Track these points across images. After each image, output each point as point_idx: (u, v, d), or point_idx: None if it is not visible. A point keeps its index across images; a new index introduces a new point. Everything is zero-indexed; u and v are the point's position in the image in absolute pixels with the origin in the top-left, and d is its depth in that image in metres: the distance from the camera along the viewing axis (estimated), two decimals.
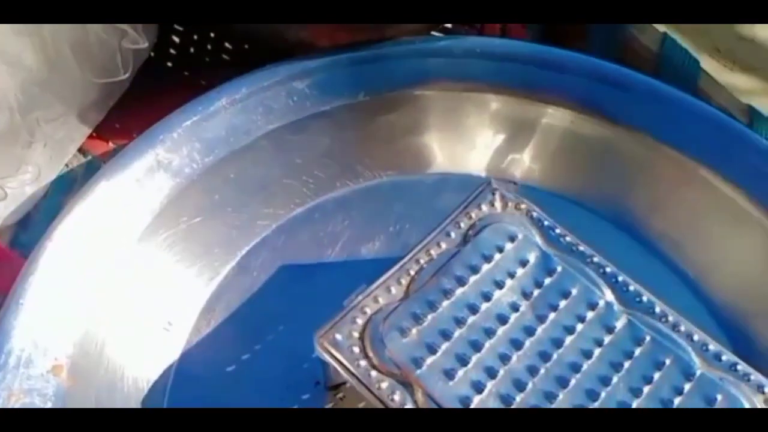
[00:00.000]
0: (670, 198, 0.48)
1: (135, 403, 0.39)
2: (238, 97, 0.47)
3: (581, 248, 0.41)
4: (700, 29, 0.63)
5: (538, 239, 0.41)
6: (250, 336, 0.42)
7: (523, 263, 0.39)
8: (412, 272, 0.39)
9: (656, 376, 0.36)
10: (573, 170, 0.50)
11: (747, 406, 0.35)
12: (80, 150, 0.49)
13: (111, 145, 0.50)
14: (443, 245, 0.40)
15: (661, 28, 0.53)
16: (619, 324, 0.38)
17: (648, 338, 0.37)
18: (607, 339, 0.37)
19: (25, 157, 0.45)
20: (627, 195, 0.49)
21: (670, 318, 0.38)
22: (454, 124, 0.50)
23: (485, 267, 0.39)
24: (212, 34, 0.59)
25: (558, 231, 0.41)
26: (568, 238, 0.41)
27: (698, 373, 0.36)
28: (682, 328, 0.38)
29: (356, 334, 0.36)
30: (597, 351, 0.37)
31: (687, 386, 0.36)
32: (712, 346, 0.38)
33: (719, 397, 0.35)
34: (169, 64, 0.58)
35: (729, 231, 0.46)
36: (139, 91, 0.50)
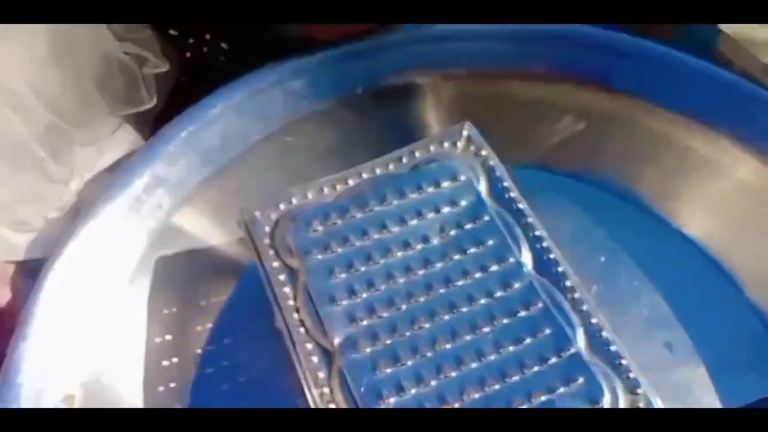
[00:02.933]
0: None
1: None
2: (232, 102, 0.46)
3: (520, 206, 0.41)
4: None
5: (483, 187, 0.42)
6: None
7: (454, 203, 0.40)
8: (351, 182, 0.42)
9: (528, 340, 0.36)
10: (577, 147, 0.48)
11: (605, 398, 0.35)
12: None
13: None
14: (391, 167, 0.42)
15: None
16: (519, 284, 0.38)
17: (540, 305, 0.37)
18: (499, 293, 0.38)
19: (62, 193, 0.45)
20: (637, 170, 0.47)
21: (576, 294, 0.38)
22: (455, 114, 0.49)
23: (414, 195, 0.40)
24: (207, 37, 0.57)
25: (505, 184, 0.42)
26: (512, 194, 0.41)
27: (572, 350, 0.36)
28: (584, 308, 0.37)
29: (273, 216, 0.40)
30: (483, 300, 0.37)
31: (553, 359, 0.36)
32: (606, 334, 0.37)
33: (581, 380, 0.35)
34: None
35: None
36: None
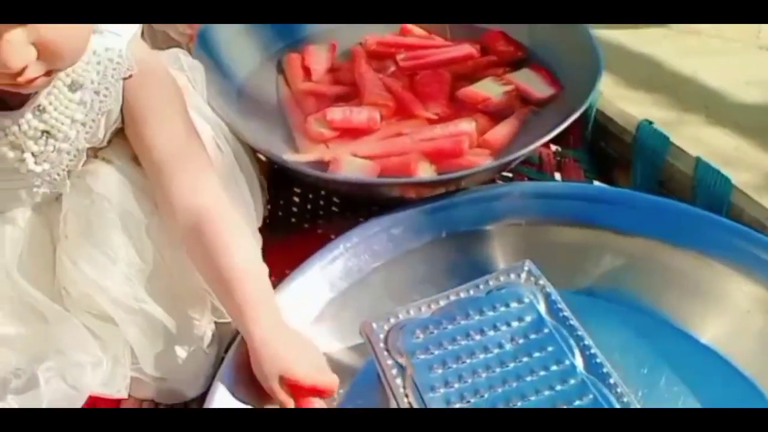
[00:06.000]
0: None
1: None
2: (350, 244, 0.63)
3: (572, 322, 0.54)
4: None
5: (542, 307, 0.55)
6: None
7: (521, 319, 0.54)
8: (442, 303, 0.56)
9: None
10: (616, 278, 0.62)
11: None
12: None
13: None
14: (471, 292, 0.56)
15: (693, 152, 0.63)
16: (573, 381, 0.50)
17: (591, 396, 0.49)
18: (558, 387, 0.50)
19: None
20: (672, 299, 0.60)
21: (619, 389, 0.50)
22: (518, 253, 0.63)
23: (490, 313, 0.54)
24: (322, 193, 0.74)
25: (559, 306, 0.55)
26: (565, 313, 0.54)
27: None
28: (625, 399, 0.49)
29: (386, 327, 0.54)
30: (546, 392, 0.50)
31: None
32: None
33: None
34: (293, 219, 0.75)
35: None
36: (271, 243, 0.63)
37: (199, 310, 0.58)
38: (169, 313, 0.55)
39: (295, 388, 0.50)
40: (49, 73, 0.46)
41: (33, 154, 0.52)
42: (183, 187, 0.53)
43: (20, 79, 0.45)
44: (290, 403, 0.50)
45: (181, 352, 0.57)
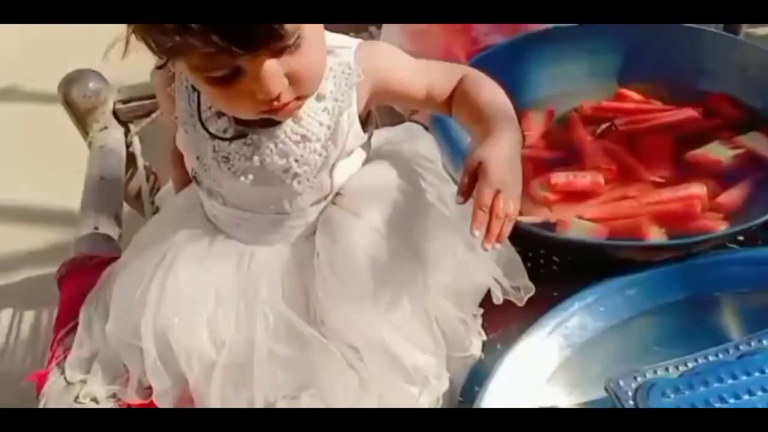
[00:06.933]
0: None
1: None
2: (585, 303, 0.65)
3: None
4: None
5: None
6: None
7: None
8: (690, 365, 0.56)
9: None
10: None
11: None
12: None
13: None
14: (720, 356, 0.56)
15: None
16: None
17: None
18: None
19: None
20: None
21: None
22: (756, 321, 0.62)
23: (743, 377, 0.54)
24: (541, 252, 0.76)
25: None
26: None
27: None
28: None
29: (633, 385, 0.55)
30: None
31: None
32: None
33: None
34: None
35: None
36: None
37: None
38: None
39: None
40: (299, 98, 0.56)
41: (296, 160, 0.61)
42: (447, 81, 0.64)
43: (276, 104, 0.55)
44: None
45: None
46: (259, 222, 0.65)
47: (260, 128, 0.60)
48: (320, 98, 0.61)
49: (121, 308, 0.66)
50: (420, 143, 0.74)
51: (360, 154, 0.66)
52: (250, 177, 0.61)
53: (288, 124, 0.60)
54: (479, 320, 0.67)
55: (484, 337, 0.67)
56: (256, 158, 0.60)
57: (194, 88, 0.61)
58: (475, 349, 0.66)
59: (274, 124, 0.60)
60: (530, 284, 0.66)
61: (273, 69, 0.52)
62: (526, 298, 0.66)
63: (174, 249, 0.65)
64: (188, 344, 0.63)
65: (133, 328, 0.64)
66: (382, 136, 0.71)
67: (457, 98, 0.64)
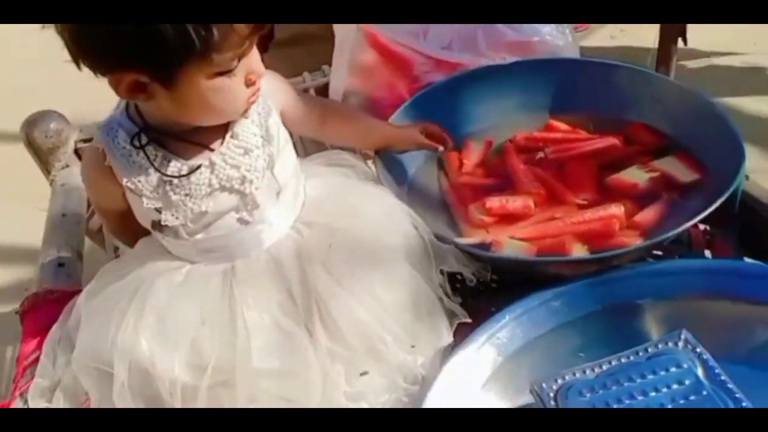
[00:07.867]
0: None
1: None
2: (515, 315, 0.71)
3: (729, 386, 0.59)
4: None
5: (700, 372, 0.60)
6: None
7: (680, 382, 0.59)
8: (605, 367, 0.62)
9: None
10: None
11: None
12: None
13: None
14: (632, 358, 0.63)
15: None
16: None
17: None
18: None
19: None
20: None
21: None
22: (670, 326, 0.68)
23: (651, 376, 0.60)
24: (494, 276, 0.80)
25: (717, 371, 0.60)
26: (722, 377, 0.59)
27: None
28: None
29: (554, 387, 0.61)
30: None
31: None
32: None
33: None
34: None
35: None
36: None
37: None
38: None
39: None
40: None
41: (247, 169, 0.69)
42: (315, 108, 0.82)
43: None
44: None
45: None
46: (228, 240, 0.70)
47: (207, 152, 0.68)
48: (247, 114, 0.70)
49: (92, 335, 0.69)
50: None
51: (291, 152, 0.75)
52: (212, 201, 0.68)
53: (230, 142, 0.69)
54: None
55: None
56: (214, 179, 0.68)
57: (136, 146, 0.66)
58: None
59: (213, 149, 0.68)
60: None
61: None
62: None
63: (152, 277, 0.70)
64: (170, 372, 0.66)
65: (105, 353, 0.67)
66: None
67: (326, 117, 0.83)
